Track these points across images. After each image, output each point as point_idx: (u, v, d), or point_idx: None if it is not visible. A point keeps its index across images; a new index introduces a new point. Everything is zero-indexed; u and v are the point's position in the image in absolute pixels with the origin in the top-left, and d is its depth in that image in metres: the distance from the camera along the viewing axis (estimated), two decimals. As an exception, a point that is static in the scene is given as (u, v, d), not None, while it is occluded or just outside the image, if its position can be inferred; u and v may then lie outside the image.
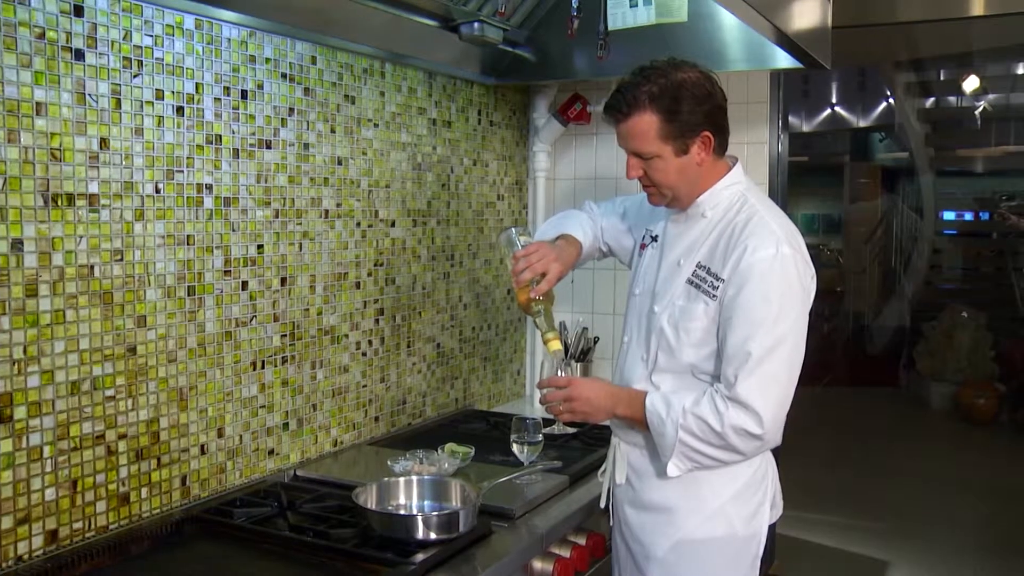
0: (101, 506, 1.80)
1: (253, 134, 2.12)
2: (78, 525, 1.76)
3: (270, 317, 2.19)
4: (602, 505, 2.06)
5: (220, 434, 2.07)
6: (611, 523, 2.06)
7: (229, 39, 2.04)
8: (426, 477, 2.02)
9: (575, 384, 1.94)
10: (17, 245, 1.62)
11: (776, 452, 1.99)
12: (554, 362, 2.14)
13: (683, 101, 1.79)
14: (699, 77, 1.82)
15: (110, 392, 1.80)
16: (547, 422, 2.41)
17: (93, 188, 1.75)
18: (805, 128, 9.91)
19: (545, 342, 2.01)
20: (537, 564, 1.95)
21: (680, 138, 1.82)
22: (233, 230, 2.08)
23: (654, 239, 2.02)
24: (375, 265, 2.55)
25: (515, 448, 2.28)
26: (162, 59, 1.88)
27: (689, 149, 1.83)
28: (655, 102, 1.79)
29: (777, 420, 1.76)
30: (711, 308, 1.81)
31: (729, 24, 2.51)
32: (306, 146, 2.28)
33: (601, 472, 2.08)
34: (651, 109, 1.80)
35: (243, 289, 2.11)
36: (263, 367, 2.18)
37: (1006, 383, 7.43)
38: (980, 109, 8.97)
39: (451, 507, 1.91)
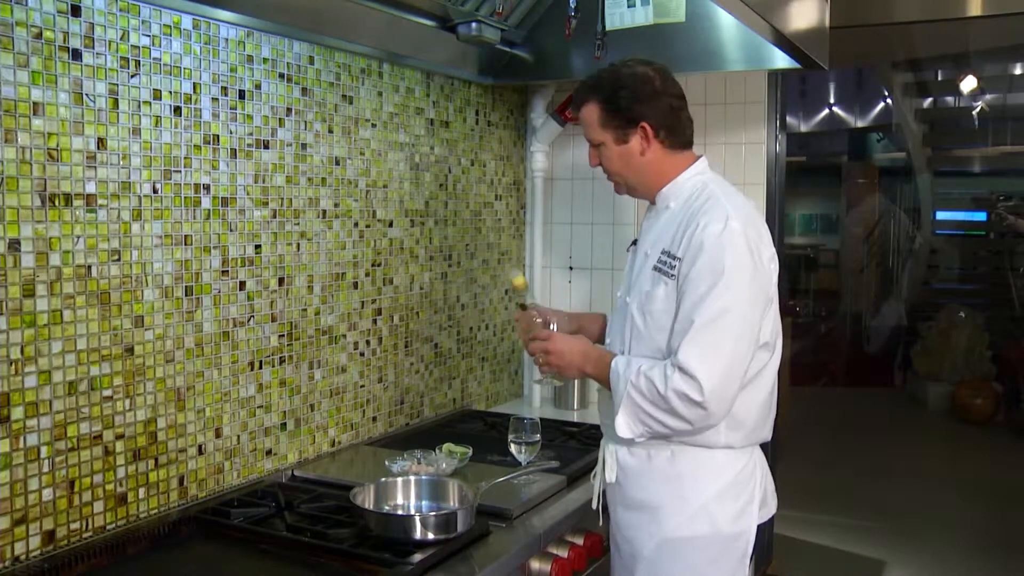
0: (99, 506, 1.80)
1: (251, 134, 2.12)
2: (75, 525, 1.76)
3: (268, 317, 2.19)
4: (593, 506, 2.06)
5: (218, 434, 2.07)
6: (600, 523, 2.07)
7: (227, 39, 2.04)
8: (424, 477, 2.02)
9: (554, 339, 2.01)
10: (14, 245, 1.62)
11: (773, 451, 1.99)
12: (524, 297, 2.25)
13: (621, 90, 1.89)
14: (646, 72, 1.91)
15: (107, 392, 1.80)
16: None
17: (90, 188, 1.75)
18: (803, 128, 9.93)
19: (511, 280, 2.25)
20: (535, 564, 1.95)
21: (619, 127, 1.91)
22: (231, 230, 2.07)
23: (634, 243, 2.08)
24: (373, 265, 2.55)
25: (513, 448, 2.29)
26: (160, 59, 1.88)
27: (628, 138, 1.91)
28: (597, 92, 1.93)
29: (720, 391, 1.75)
30: (671, 288, 1.85)
31: (727, 24, 2.51)
32: (304, 146, 2.27)
33: (593, 475, 2.09)
34: (594, 99, 1.93)
35: (241, 289, 2.11)
36: (261, 367, 2.18)
37: (1003, 383, 7.44)
38: (977, 109, 8.99)
39: (449, 507, 1.91)
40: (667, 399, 1.76)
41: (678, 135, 1.94)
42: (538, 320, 2.15)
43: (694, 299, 1.78)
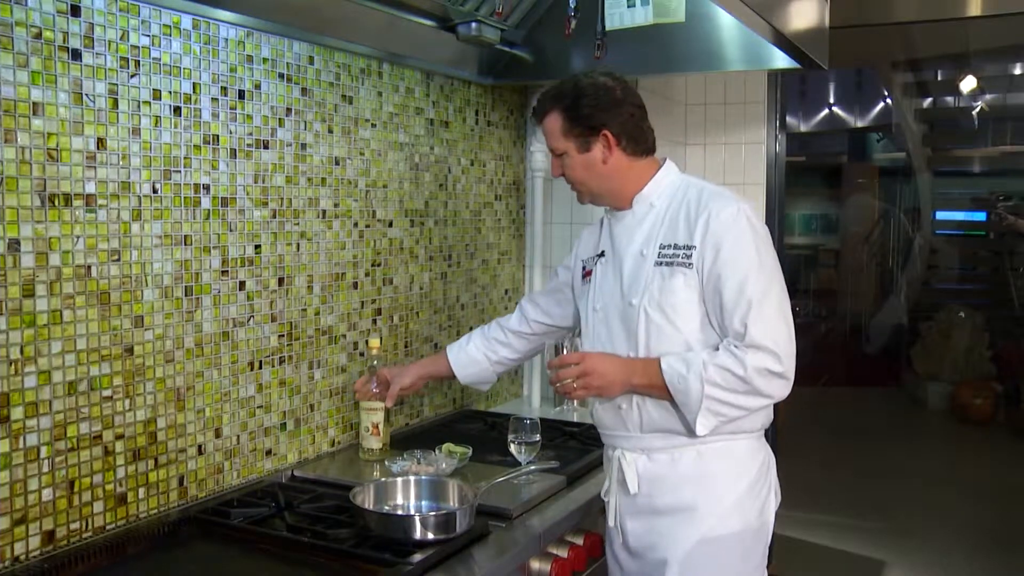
0: (98, 507, 1.80)
1: (250, 134, 2.12)
2: (75, 526, 1.76)
3: (267, 317, 2.19)
4: (611, 524, 2.01)
5: (217, 434, 2.07)
6: (620, 541, 1.99)
7: (226, 39, 2.04)
8: (424, 477, 2.02)
9: (588, 358, 1.90)
10: (14, 245, 1.62)
11: (773, 451, 2.00)
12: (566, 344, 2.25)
13: (583, 99, 1.92)
14: (607, 82, 1.94)
15: (107, 392, 1.80)
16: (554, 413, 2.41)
17: (90, 188, 1.74)
18: (803, 128, 9.92)
19: (369, 342, 2.42)
20: (535, 564, 1.95)
21: (581, 136, 1.93)
22: (230, 230, 2.07)
23: (600, 255, 2.05)
24: (372, 265, 2.55)
25: (512, 448, 2.29)
26: (159, 59, 1.88)
27: (591, 146, 1.94)
28: (558, 102, 1.95)
29: (791, 354, 1.82)
30: (691, 277, 1.86)
31: (727, 24, 2.51)
32: (303, 146, 2.27)
33: (604, 492, 2.04)
34: (556, 108, 1.95)
35: (240, 289, 2.11)
36: (261, 367, 2.18)
37: (1003, 383, 7.44)
38: (977, 109, 8.98)
39: (448, 507, 1.91)
40: (749, 380, 1.78)
41: (640, 143, 1.97)
42: (374, 388, 2.30)
43: (739, 279, 1.81)
